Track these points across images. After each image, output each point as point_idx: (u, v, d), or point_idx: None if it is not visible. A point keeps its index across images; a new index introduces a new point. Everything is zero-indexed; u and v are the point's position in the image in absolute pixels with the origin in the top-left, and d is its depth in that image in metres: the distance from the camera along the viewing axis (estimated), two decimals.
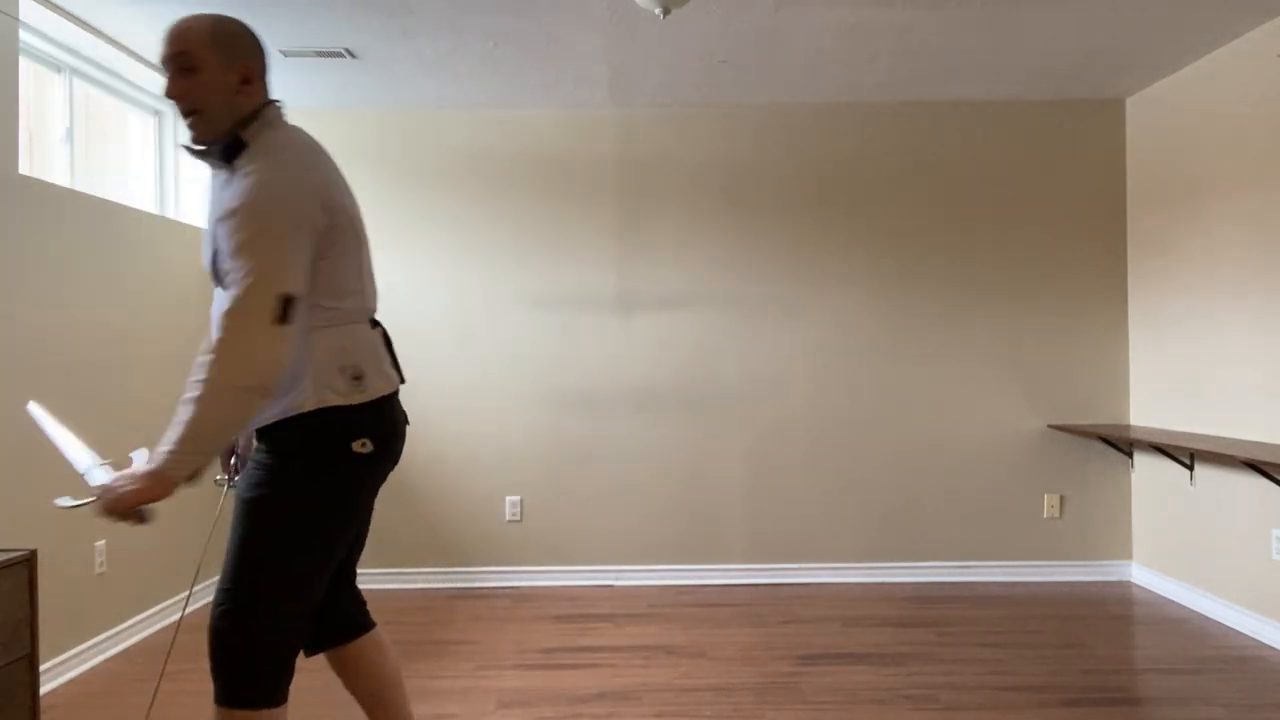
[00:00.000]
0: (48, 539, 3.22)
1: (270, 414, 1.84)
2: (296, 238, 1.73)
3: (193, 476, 1.72)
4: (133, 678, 3.33)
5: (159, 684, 2.62)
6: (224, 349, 1.66)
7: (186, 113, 1.81)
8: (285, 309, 1.70)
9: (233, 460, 2.09)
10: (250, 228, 1.69)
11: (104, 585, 3.56)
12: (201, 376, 1.66)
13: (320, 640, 2.09)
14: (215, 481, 2.13)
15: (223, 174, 1.81)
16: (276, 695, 1.84)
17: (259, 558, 1.81)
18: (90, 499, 1.75)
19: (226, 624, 1.81)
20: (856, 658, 3.46)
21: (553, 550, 4.60)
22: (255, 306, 1.67)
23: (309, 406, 1.82)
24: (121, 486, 1.66)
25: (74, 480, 3.13)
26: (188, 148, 1.85)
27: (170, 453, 1.66)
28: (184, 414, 1.66)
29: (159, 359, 3.97)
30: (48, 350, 3.23)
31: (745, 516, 4.62)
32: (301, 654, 2.02)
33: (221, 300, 1.72)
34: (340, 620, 2.10)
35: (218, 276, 1.79)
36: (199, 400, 1.65)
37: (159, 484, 1.66)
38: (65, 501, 1.82)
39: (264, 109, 1.84)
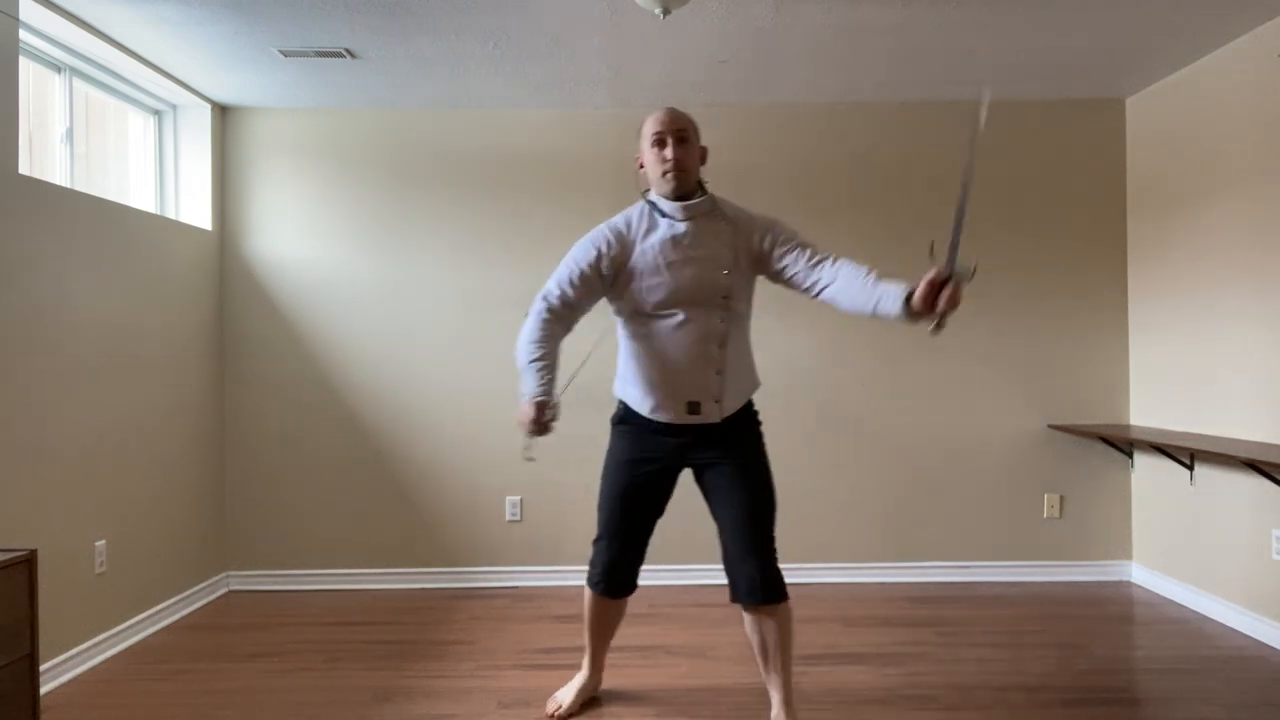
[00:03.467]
0: (48, 539, 3.22)
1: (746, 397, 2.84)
2: None
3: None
4: (133, 678, 3.33)
5: None
6: None
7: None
8: None
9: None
10: None
11: (104, 585, 3.56)
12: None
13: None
14: (524, 452, 2.92)
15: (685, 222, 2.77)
16: None
17: (774, 503, 2.74)
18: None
19: (773, 550, 2.68)
20: (856, 658, 3.46)
21: (553, 550, 4.59)
22: None
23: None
24: None
25: None
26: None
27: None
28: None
29: (159, 359, 3.97)
30: (48, 350, 3.23)
31: None
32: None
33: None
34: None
35: (701, 299, 2.78)
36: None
37: None
38: None
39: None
